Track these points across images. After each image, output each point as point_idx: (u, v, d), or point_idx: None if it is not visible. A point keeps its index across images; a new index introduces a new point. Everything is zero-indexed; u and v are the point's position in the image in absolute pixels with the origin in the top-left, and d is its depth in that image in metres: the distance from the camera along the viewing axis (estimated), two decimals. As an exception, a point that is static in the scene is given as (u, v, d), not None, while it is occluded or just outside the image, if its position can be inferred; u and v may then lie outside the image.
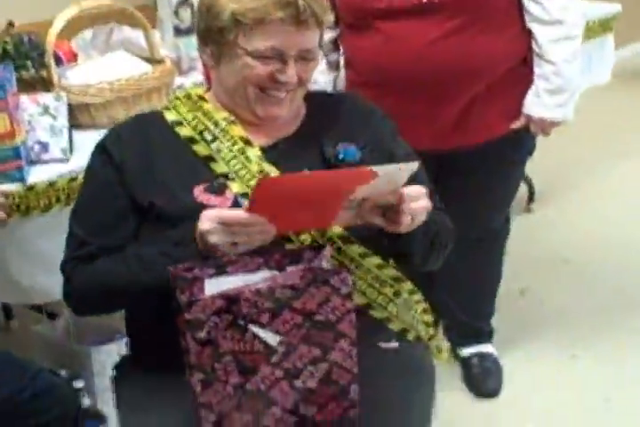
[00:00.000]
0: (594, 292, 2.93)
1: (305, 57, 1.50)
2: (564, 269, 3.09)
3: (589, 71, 3.31)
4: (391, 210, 1.38)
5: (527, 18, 2.10)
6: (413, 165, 1.34)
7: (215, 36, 1.49)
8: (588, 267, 3.08)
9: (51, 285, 1.79)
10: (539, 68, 2.14)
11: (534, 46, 2.13)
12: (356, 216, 1.40)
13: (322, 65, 2.26)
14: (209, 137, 1.52)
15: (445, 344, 2.57)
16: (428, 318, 1.65)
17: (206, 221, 1.34)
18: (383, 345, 1.56)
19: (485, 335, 2.57)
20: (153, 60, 2.26)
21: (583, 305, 2.86)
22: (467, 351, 2.56)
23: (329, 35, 2.23)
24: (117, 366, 1.65)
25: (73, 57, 2.30)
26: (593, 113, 4.40)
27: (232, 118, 1.54)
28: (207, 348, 1.26)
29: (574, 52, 2.14)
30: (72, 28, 2.34)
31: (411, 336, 1.60)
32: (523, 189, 3.51)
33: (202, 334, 1.25)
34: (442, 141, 2.13)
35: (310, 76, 1.55)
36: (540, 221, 3.45)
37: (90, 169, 1.57)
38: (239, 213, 1.33)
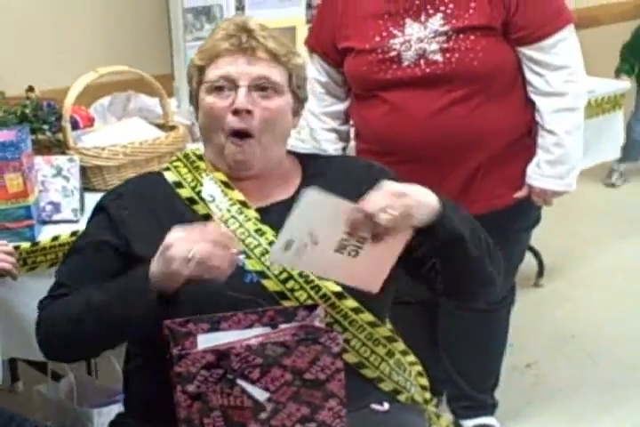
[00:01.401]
0: (601, 367, 2.91)
1: (260, 86, 1.53)
2: (571, 343, 3.08)
3: (598, 147, 3.36)
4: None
5: (529, 89, 2.14)
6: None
7: (192, 92, 1.60)
8: (596, 342, 3.07)
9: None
10: (541, 139, 2.17)
11: (537, 117, 2.17)
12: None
13: (330, 134, 2.33)
14: (208, 198, 1.57)
15: (449, 416, 2.55)
16: (424, 381, 1.66)
17: (173, 234, 1.35)
18: (374, 407, 1.56)
19: (489, 408, 2.55)
20: (166, 126, 2.34)
21: (590, 381, 2.84)
22: (470, 423, 2.53)
23: (340, 106, 2.31)
24: (112, 423, 1.65)
25: (90, 122, 2.37)
26: (602, 187, 4.46)
27: (227, 181, 1.58)
28: (197, 402, 1.28)
29: (576, 123, 2.16)
30: (92, 95, 2.44)
31: (402, 397, 1.60)
32: (532, 263, 3.53)
33: (192, 388, 1.27)
34: None
35: (275, 116, 1.55)
36: (548, 295, 3.45)
37: (87, 225, 1.62)
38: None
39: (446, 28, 2.04)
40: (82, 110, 2.35)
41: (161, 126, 2.35)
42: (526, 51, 2.10)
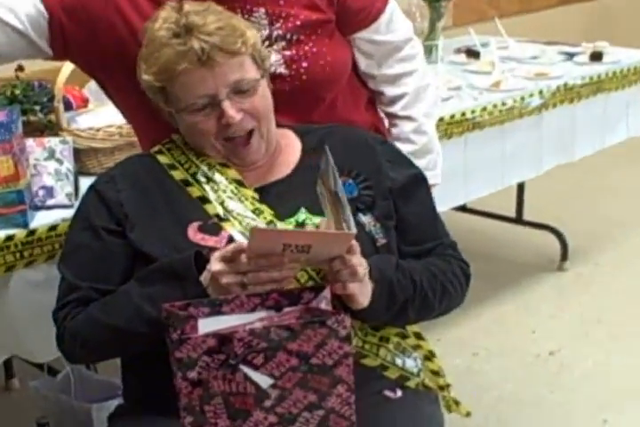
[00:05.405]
0: (628, 353, 2.93)
1: (239, 89, 1.54)
2: (597, 329, 3.09)
3: (627, 121, 3.37)
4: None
5: (372, 83, 1.97)
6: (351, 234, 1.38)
7: (158, 105, 1.60)
8: (622, 327, 3.08)
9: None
10: (396, 129, 2.00)
11: (387, 109, 2.00)
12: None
13: None
14: (202, 179, 1.59)
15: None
16: (433, 365, 1.67)
17: (215, 263, 1.41)
18: (387, 393, 1.58)
19: None
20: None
21: (616, 367, 2.85)
22: None
23: None
24: (111, 416, 1.68)
25: (84, 102, 2.39)
26: (628, 170, 4.46)
27: (224, 161, 1.61)
28: (197, 389, 1.30)
29: (431, 102, 2.01)
30: (84, 75, 2.45)
31: (412, 384, 1.62)
32: (556, 246, 3.55)
33: (193, 374, 1.29)
34: None
35: (262, 105, 1.57)
36: (573, 279, 3.47)
37: (80, 211, 1.63)
38: (239, 244, 1.41)
39: (277, 26, 1.77)
40: (75, 90, 2.37)
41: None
42: (366, 35, 1.89)
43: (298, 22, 1.77)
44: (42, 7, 1.73)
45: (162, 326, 1.38)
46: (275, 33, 1.77)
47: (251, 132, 1.58)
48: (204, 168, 1.60)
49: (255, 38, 1.58)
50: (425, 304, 1.58)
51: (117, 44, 1.74)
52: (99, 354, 1.61)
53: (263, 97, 1.58)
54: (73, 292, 1.57)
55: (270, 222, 1.55)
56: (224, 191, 1.58)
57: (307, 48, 1.78)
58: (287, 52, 1.77)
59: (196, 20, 1.52)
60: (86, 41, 1.75)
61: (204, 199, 1.58)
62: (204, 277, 1.44)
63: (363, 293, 1.46)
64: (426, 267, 1.61)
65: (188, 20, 1.52)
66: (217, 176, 1.59)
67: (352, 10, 1.84)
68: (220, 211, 1.56)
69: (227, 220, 1.55)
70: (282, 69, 1.77)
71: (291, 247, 1.36)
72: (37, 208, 2.01)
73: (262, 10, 1.76)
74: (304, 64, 1.78)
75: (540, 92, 2.97)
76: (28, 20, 1.73)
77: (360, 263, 1.43)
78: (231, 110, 1.53)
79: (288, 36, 1.77)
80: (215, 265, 1.41)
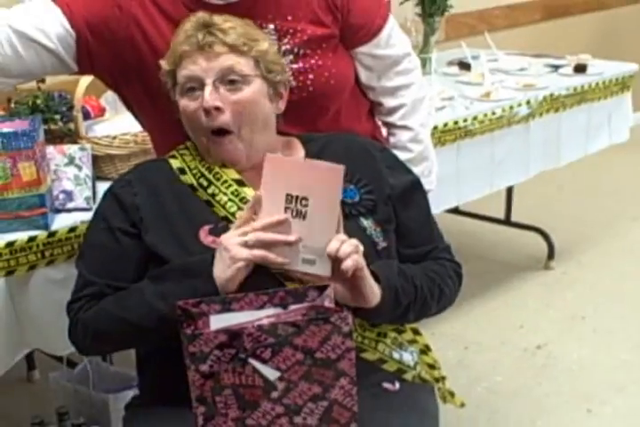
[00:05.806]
0: (612, 348, 2.93)
1: (227, 80, 1.53)
2: (582, 325, 3.09)
3: (609, 129, 3.37)
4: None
5: (372, 93, 1.96)
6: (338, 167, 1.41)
7: (171, 97, 1.60)
8: (607, 323, 3.08)
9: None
10: (393, 138, 2.00)
11: (386, 119, 2.00)
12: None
13: None
14: (205, 183, 1.59)
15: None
16: (429, 359, 1.67)
17: (230, 232, 1.46)
18: (386, 386, 1.58)
19: None
20: (176, 115, 2.36)
21: (601, 361, 2.85)
22: None
23: None
24: (128, 406, 1.68)
25: (101, 112, 2.40)
26: (609, 175, 4.46)
27: (224, 163, 1.60)
28: (209, 381, 1.30)
29: (426, 114, 2.02)
30: (102, 86, 2.45)
31: (409, 376, 1.62)
32: (542, 246, 3.55)
33: (205, 367, 1.30)
34: None
35: (248, 107, 1.55)
36: (559, 278, 3.46)
37: (98, 213, 1.63)
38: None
39: (285, 42, 1.77)
40: (93, 100, 2.38)
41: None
42: (367, 49, 1.89)
43: (305, 37, 1.77)
44: (69, 27, 1.73)
45: (171, 323, 1.38)
46: (283, 47, 1.77)
47: (228, 130, 1.55)
48: (205, 171, 1.60)
49: (267, 48, 1.58)
50: (424, 306, 1.59)
51: (138, 60, 1.74)
52: (108, 346, 1.61)
53: (252, 100, 1.55)
54: (88, 287, 1.57)
55: None
56: (225, 194, 1.57)
57: (313, 61, 1.79)
58: (295, 66, 1.77)
59: (217, 20, 1.55)
60: (111, 58, 1.76)
61: (210, 203, 1.58)
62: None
63: (372, 292, 1.47)
64: (424, 272, 1.61)
65: (210, 19, 1.55)
66: (217, 178, 1.58)
67: (354, 26, 1.84)
68: (225, 213, 1.56)
69: (232, 222, 1.55)
70: (290, 81, 1.75)
71: (291, 205, 1.39)
72: (58, 211, 2.02)
73: (272, 26, 1.76)
74: (310, 76, 1.79)
75: (528, 102, 2.98)
76: (57, 40, 1.74)
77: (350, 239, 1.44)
78: (210, 95, 1.52)
79: (295, 50, 1.78)
80: (227, 233, 1.45)
